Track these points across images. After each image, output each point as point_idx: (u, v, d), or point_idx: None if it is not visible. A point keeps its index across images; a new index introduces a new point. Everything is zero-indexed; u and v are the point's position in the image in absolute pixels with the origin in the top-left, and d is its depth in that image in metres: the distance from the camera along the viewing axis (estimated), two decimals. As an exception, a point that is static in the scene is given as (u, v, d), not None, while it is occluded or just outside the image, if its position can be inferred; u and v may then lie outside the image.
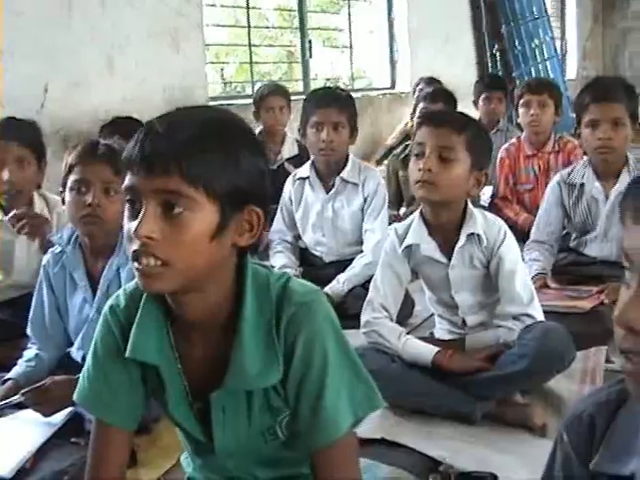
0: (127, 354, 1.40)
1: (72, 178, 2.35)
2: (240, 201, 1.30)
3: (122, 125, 3.64)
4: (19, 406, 2.32)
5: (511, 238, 2.48)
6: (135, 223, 1.25)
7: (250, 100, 5.29)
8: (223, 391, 1.38)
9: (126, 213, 1.30)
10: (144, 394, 1.49)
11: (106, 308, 1.47)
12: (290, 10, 7.27)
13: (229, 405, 1.41)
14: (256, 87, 5.72)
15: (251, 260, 1.41)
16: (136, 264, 1.26)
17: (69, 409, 2.26)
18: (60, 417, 2.28)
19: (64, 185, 2.38)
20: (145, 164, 1.24)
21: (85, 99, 4.73)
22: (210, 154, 1.26)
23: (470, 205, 2.49)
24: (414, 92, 6.10)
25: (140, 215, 1.25)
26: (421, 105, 4.97)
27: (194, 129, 1.27)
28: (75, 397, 1.50)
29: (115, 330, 1.43)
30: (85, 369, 1.49)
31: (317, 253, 3.72)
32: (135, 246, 1.25)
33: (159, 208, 1.25)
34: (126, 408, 1.47)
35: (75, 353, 2.52)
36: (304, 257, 3.78)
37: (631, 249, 0.92)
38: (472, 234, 2.45)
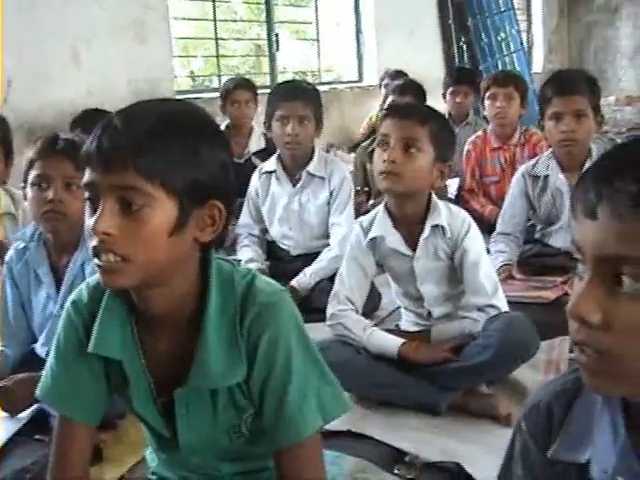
0: (90, 349, 1.38)
1: (33, 174, 2.32)
2: (201, 195, 1.29)
3: (93, 118, 3.59)
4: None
5: (475, 230, 2.50)
6: (94, 219, 1.24)
7: (217, 94, 5.27)
8: (187, 388, 1.38)
9: (87, 209, 1.29)
10: (107, 389, 1.47)
11: (69, 303, 1.45)
12: (258, 3, 7.24)
13: (193, 402, 1.40)
14: (223, 81, 5.70)
15: (216, 255, 1.40)
16: (96, 260, 1.26)
17: (34, 406, 2.24)
18: (26, 414, 2.25)
19: (25, 181, 2.36)
20: (102, 160, 1.23)
21: (50, 93, 4.69)
22: (167, 148, 1.24)
23: (434, 197, 2.50)
24: (380, 85, 6.11)
25: (98, 211, 1.24)
26: (390, 98, 4.98)
27: (151, 123, 1.25)
28: (38, 393, 1.48)
29: (78, 325, 1.42)
30: (48, 365, 1.47)
31: (284, 247, 3.71)
32: (94, 242, 1.24)
33: (117, 204, 1.23)
34: (89, 403, 1.45)
35: (39, 349, 2.50)
36: (271, 251, 3.77)
37: (582, 241, 0.93)
38: (436, 226, 2.46)
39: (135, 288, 1.32)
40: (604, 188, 0.89)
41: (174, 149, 1.25)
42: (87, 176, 1.26)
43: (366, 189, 4.59)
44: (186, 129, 1.29)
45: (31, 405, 2.23)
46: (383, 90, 5.63)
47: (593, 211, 0.90)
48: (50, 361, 1.47)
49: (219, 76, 6.61)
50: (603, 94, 3.51)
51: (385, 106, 4.89)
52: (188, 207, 1.27)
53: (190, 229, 1.29)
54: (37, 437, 2.19)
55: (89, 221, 1.26)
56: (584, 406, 1.06)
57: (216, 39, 6.57)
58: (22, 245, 2.48)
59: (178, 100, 1.57)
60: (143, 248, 1.25)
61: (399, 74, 6.02)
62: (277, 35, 6.89)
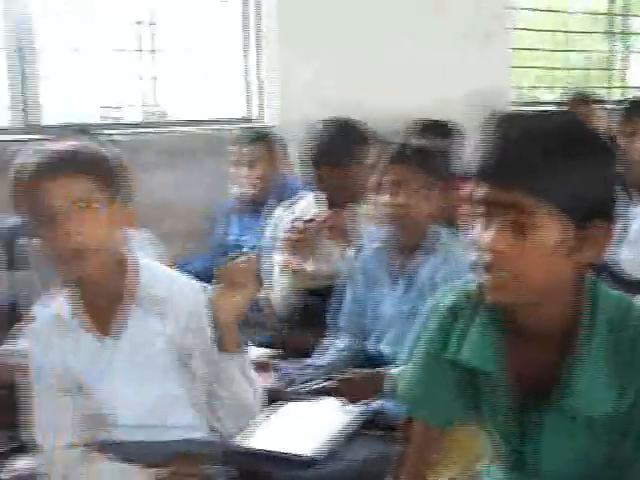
0: (454, 356, 1.41)
1: (382, 179, 2.46)
2: (587, 216, 1.26)
3: (432, 129, 3.64)
4: (323, 393, 2.41)
5: None
6: (487, 235, 1.26)
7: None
8: (553, 410, 1.35)
9: (478, 223, 1.31)
10: (462, 396, 1.49)
11: (434, 306, 1.50)
12: (608, 14, 6.91)
13: (555, 425, 1.37)
14: (557, 94, 5.55)
15: (594, 278, 1.36)
16: (486, 275, 1.28)
17: (375, 403, 2.29)
18: (359, 409, 2.31)
19: (369, 186, 2.51)
20: (495, 176, 1.25)
21: (392, 102, 4.81)
22: (562, 169, 1.22)
23: None
24: None
25: (491, 228, 1.26)
26: None
27: (547, 142, 1.24)
28: (396, 393, 1.57)
29: (443, 330, 1.46)
30: (408, 365, 1.54)
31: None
32: (486, 258, 1.27)
33: (509, 222, 1.25)
34: (444, 408, 1.51)
35: (376, 347, 2.55)
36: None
37: None
38: None
39: (517, 305, 1.34)
40: None
41: (567, 169, 1.23)
42: (481, 191, 1.28)
43: None
44: (579, 147, 1.26)
45: (368, 400, 2.30)
46: None
47: None
48: (411, 362, 1.53)
49: (555, 89, 6.46)
50: None
51: None
52: (574, 228, 1.25)
53: (574, 250, 1.27)
54: (370, 433, 2.23)
55: (481, 236, 1.28)
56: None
57: (551, 50, 6.44)
58: (371, 245, 2.59)
59: (563, 114, 1.53)
60: (531, 267, 1.26)
61: None
62: (629, 47, 6.62)
